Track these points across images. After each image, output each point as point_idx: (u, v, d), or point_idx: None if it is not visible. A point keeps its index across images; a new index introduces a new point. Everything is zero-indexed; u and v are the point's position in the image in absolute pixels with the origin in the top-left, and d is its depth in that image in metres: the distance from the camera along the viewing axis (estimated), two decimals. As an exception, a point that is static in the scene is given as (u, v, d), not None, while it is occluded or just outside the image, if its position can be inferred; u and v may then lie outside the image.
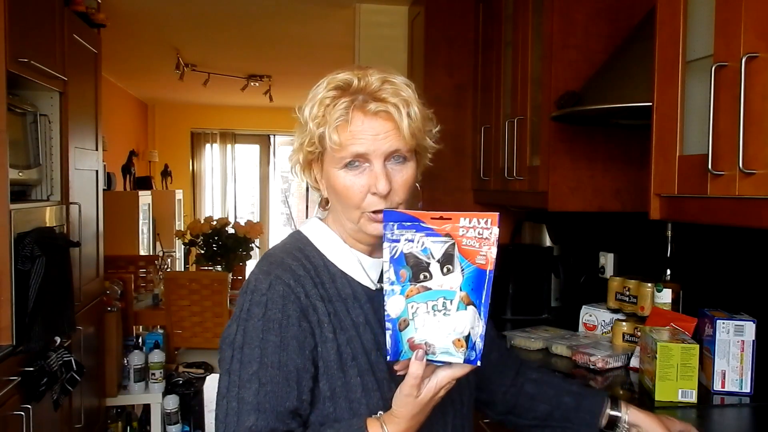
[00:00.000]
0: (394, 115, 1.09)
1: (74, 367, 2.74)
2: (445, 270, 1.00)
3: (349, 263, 1.17)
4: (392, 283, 1.01)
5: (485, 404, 1.39)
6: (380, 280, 1.13)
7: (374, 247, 1.17)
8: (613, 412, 1.30)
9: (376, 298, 1.15)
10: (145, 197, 6.38)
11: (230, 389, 1.05)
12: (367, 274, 1.17)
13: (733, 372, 1.82)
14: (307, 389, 1.06)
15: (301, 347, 1.06)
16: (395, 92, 1.11)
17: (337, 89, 1.11)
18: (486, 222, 1.01)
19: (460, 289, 1.00)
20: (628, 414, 1.29)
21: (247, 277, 1.15)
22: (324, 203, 1.21)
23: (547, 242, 3.15)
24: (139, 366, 3.79)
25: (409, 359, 0.99)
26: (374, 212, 1.10)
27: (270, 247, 1.29)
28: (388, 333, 1.00)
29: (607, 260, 2.73)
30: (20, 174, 2.58)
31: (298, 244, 1.19)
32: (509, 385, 1.37)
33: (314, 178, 1.21)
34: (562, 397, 1.33)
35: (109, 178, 6.04)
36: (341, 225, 1.18)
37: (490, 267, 1.01)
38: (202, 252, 4.83)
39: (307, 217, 9.16)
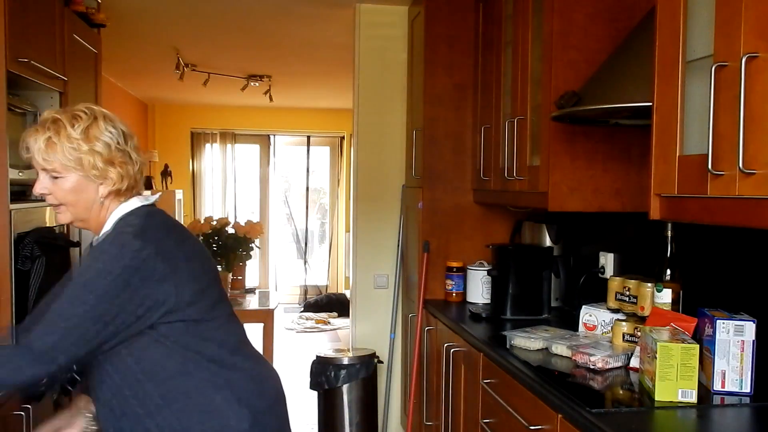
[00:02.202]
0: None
1: (74, 367, 2.74)
2: None
3: None
4: None
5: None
6: None
7: None
8: None
9: None
10: (145, 197, 6.37)
11: None
12: None
13: (733, 372, 1.82)
14: None
15: None
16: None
17: None
18: None
19: None
20: None
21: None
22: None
23: (547, 242, 3.15)
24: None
25: None
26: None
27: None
28: None
29: (607, 260, 2.73)
30: (20, 174, 2.58)
31: None
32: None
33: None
34: None
35: (109, 178, 6.03)
36: None
37: None
38: (202, 252, 4.82)
39: (307, 216, 9.16)
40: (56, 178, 1.55)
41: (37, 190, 1.58)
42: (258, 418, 1.60)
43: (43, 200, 1.63)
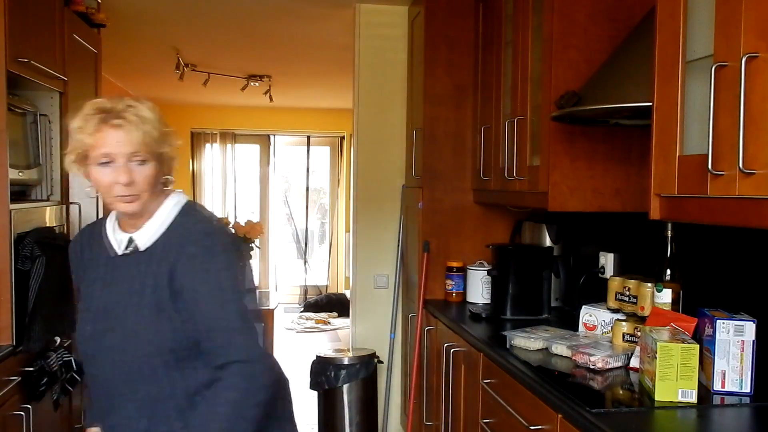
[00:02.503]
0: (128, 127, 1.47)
1: (74, 367, 2.74)
2: None
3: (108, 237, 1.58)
4: None
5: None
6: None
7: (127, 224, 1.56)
8: None
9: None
10: (145, 197, 6.37)
11: None
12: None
13: (733, 372, 1.82)
14: None
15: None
16: (135, 113, 1.49)
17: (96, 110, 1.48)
18: None
19: None
20: None
21: None
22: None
23: (547, 242, 3.15)
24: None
25: None
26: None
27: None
28: None
29: (607, 260, 2.73)
30: (20, 174, 2.58)
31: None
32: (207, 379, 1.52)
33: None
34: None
35: (109, 178, 6.03)
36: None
37: None
38: (202, 252, 4.82)
39: (307, 216, 9.15)
40: (141, 164, 1.48)
41: (124, 179, 1.45)
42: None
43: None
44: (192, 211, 1.59)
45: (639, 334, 2.07)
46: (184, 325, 1.48)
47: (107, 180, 1.47)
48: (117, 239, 1.56)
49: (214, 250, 1.51)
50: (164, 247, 1.52)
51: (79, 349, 1.60)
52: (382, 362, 3.85)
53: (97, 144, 1.45)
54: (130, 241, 1.54)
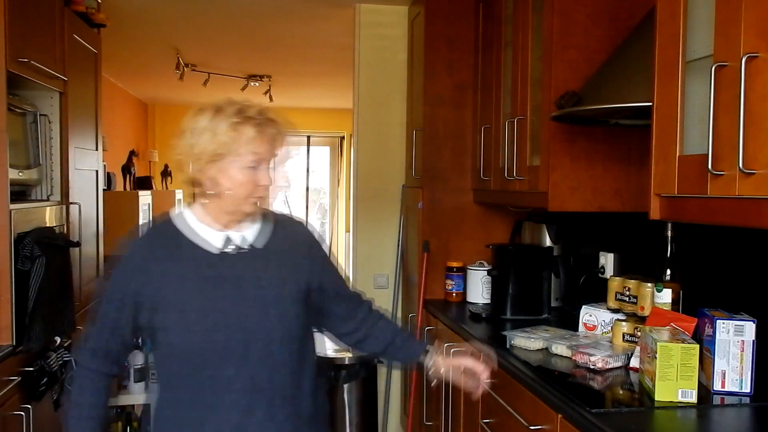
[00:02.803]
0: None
1: (74, 367, 2.74)
2: None
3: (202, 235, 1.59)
4: None
5: (339, 336, 1.82)
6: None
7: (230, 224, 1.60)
8: (423, 359, 1.81)
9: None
10: (145, 197, 6.37)
11: None
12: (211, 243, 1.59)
13: (733, 372, 1.82)
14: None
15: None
16: (277, 118, 1.65)
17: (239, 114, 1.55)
18: None
19: None
20: (433, 360, 1.79)
21: None
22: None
23: (547, 242, 3.15)
24: (140, 366, 3.77)
25: None
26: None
27: None
28: None
29: (607, 260, 2.73)
30: (20, 174, 2.58)
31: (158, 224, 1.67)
32: (357, 326, 1.79)
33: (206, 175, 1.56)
34: (396, 337, 1.82)
35: (109, 178, 6.03)
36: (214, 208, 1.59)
37: None
38: (202, 252, 4.82)
39: (307, 217, 9.16)
40: (271, 167, 1.60)
41: (268, 181, 1.57)
42: None
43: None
44: (279, 211, 1.76)
45: (639, 334, 2.07)
46: (308, 312, 1.63)
47: (251, 181, 1.54)
48: (215, 237, 1.58)
49: (315, 233, 1.77)
50: (282, 243, 1.64)
51: (174, 348, 1.56)
52: (382, 362, 3.84)
53: (250, 147, 1.52)
54: (227, 239, 1.59)
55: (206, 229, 1.59)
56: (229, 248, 1.58)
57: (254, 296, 1.56)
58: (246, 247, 1.60)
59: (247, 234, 1.61)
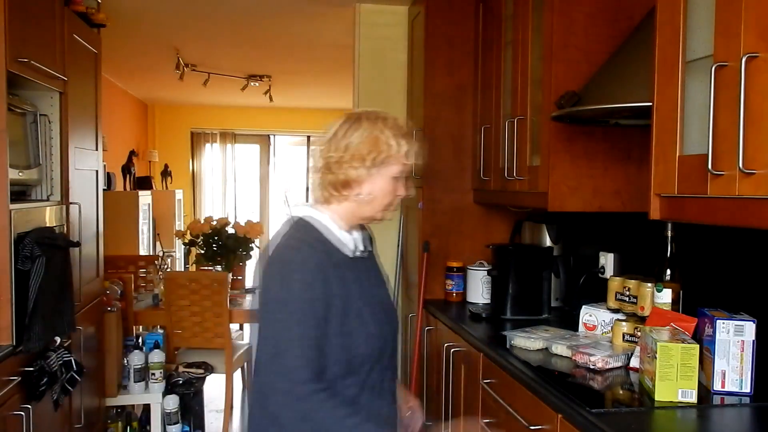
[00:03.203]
0: None
1: (74, 367, 2.74)
2: None
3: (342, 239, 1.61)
4: None
5: None
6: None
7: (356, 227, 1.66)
8: None
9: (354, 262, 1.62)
10: (145, 197, 6.38)
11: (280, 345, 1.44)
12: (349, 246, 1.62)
13: (733, 372, 1.82)
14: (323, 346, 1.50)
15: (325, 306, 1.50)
16: None
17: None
18: None
19: None
20: None
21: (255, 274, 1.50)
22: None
23: (547, 242, 3.15)
24: (139, 366, 3.79)
25: None
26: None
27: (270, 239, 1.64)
28: None
29: (607, 260, 2.73)
30: (20, 174, 2.58)
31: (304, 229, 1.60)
32: None
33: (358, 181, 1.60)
34: None
35: (109, 178, 6.04)
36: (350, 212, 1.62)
37: None
38: (202, 252, 4.82)
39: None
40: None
41: (404, 191, 1.67)
42: None
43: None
44: None
45: (639, 334, 2.07)
46: None
47: (394, 190, 1.64)
48: (349, 241, 1.63)
49: None
50: (374, 249, 1.79)
51: (354, 350, 1.54)
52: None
53: (403, 159, 1.61)
54: (355, 243, 1.65)
55: (343, 233, 1.62)
56: (359, 252, 1.64)
57: (387, 295, 1.72)
58: (368, 250, 1.70)
59: (359, 238, 1.67)
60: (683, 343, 1.78)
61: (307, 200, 1.71)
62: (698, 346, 1.79)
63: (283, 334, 1.45)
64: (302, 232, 1.58)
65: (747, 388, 1.82)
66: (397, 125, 1.62)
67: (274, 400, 1.45)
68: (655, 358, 1.77)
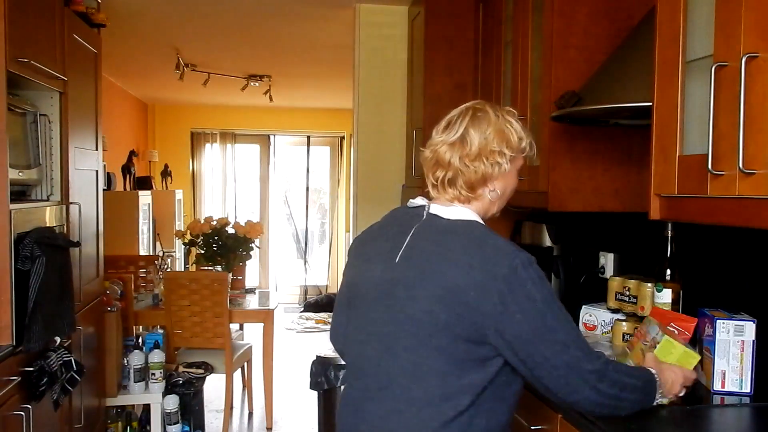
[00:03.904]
0: None
1: (74, 367, 2.74)
2: None
3: None
4: None
5: None
6: None
7: None
8: None
9: None
10: (145, 197, 6.38)
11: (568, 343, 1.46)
12: None
13: (733, 372, 1.82)
14: None
15: None
16: None
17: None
18: None
19: None
20: None
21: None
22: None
23: (547, 242, 3.15)
24: (139, 366, 3.79)
25: None
26: None
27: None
28: None
29: (607, 260, 2.73)
30: (20, 174, 2.58)
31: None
32: None
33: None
34: None
35: (109, 178, 6.04)
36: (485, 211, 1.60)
37: None
38: (202, 252, 4.82)
39: (307, 216, 9.14)
40: None
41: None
42: None
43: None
44: None
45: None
46: None
47: (515, 187, 1.63)
48: None
49: None
50: None
51: None
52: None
53: (527, 153, 1.58)
54: None
55: None
56: None
57: None
58: None
59: None
60: (686, 347, 1.77)
61: (417, 200, 1.65)
62: (700, 357, 1.77)
63: (565, 326, 1.55)
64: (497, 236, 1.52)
65: (747, 388, 1.82)
66: (516, 117, 1.55)
67: (596, 385, 1.44)
68: (654, 347, 1.76)
